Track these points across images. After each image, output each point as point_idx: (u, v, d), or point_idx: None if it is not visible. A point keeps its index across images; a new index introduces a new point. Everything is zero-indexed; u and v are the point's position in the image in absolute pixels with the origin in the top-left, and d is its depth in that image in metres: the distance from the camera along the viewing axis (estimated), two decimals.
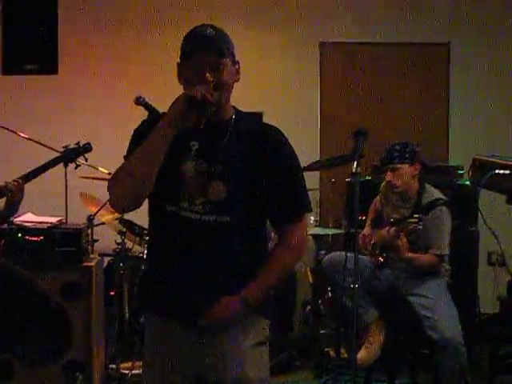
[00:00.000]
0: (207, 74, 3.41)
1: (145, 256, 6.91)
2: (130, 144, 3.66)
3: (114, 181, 3.51)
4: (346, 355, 7.18)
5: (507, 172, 4.85)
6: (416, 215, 6.00)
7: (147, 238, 4.89)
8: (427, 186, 6.39)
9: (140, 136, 3.52)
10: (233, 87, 3.58)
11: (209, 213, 3.50)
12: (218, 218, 3.51)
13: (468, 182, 7.55)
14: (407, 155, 6.23)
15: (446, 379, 5.96)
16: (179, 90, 3.46)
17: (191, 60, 3.50)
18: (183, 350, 3.59)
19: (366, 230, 6.50)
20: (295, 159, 3.72)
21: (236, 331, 3.59)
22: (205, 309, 3.51)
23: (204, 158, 3.53)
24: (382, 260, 6.26)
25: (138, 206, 3.49)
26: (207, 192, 3.50)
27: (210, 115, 3.37)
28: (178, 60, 3.62)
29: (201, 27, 3.55)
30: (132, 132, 3.70)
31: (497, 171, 4.93)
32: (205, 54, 3.45)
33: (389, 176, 6.29)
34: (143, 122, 3.74)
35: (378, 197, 6.58)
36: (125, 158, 3.62)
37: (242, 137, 3.59)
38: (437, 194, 6.33)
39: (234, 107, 3.68)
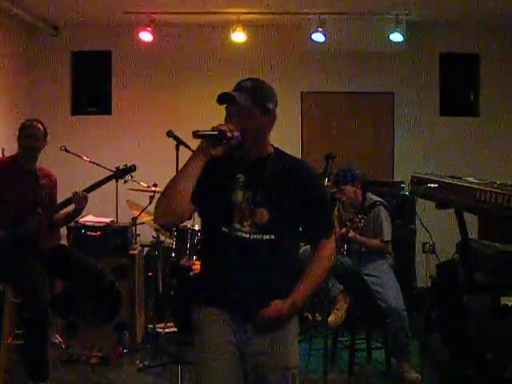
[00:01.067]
0: (234, 120, 3.25)
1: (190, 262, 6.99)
2: None
3: (158, 200, 3.30)
4: (319, 318, 7.16)
5: (436, 185, 4.85)
6: (359, 216, 6.12)
7: (200, 253, 4.51)
8: (368, 194, 6.46)
9: None
10: (264, 131, 3.38)
11: (256, 233, 3.31)
12: (264, 237, 3.31)
13: (407, 193, 7.59)
14: (349, 178, 6.34)
15: (392, 336, 5.98)
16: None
17: (226, 107, 3.32)
18: (236, 337, 3.34)
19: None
20: (323, 188, 3.69)
21: (282, 325, 3.38)
22: (258, 309, 3.30)
23: (249, 188, 3.33)
24: (343, 250, 6.29)
25: (178, 221, 3.45)
26: (254, 216, 3.31)
27: (233, 149, 3.24)
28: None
29: (244, 80, 3.39)
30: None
31: (429, 185, 4.93)
32: (231, 104, 3.28)
33: (338, 194, 6.38)
34: None
35: (336, 207, 6.60)
36: None
37: (280, 170, 3.37)
38: (375, 198, 6.43)
39: (272, 146, 3.47)
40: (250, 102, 3.28)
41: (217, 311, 3.37)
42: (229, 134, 3.19)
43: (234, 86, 3.35)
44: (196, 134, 3.21)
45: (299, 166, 3.50)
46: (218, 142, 3.20)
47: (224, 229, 3.33)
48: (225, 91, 3.29)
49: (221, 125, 3.22)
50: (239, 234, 3.32)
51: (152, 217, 7.26)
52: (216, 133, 3.19)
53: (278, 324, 3.36)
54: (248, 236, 3.31)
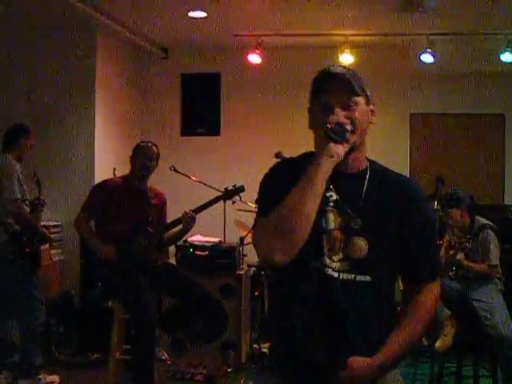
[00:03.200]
0: (336, 110, 2.50)
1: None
2: (262, 194, 2.68)
3: (267, 236, 2.45)
4: (426, 343, 7.06)
5: None
6: (467, 237, 6.09)
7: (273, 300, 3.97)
8: (477, 217, 6.34)
9: (276, 185, 2.57)
10: (367, 129, 2.60)
11: (348, 271, 2.51)
12: (358, 277, 2.52)
13: None
14: (453, 202, 6.22)
15: (502, 365, 5.85)
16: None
17: (321, 98, 2.57)
18: None
19: (442, 255, 6.42)
20: (434, 218, 2.72)
21: None
22: (339, 372, 2.48)
23: (343, 210, 2.54)
24: (452, 275, 6.21)
25: (293, 255, 2.41)
26: (347, 248, 2.52)
27: (350, 149, 2.49)
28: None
29: (331, 66, 2.57)
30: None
31: None
32: (335, 91, 2.53)
33: (444, 217, 6.27)
34: (274, 169, 2.72)
35: (448, 230, 6.54)
36: (260, 207, 2.65)
37: (381, 188, 2.61)
38: (484, 221, 6.31)
39: (366, 157, 2.69)
40: (359, 87, 2.56)
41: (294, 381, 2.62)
42: (349, 128, 2.48)
43: (322, 76, 2.60)
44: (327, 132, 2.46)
45: (403, 184, 2.70)
46: (339, 141, 2.45)
47: (313, 263, 2.52)
48: (332, 71, 2.57)
49: (333, 117, 2.50)
50: (328, 271, 2.52)
51: None
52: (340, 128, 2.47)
53: None
54: (337, 275, 2.52)
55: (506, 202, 8.94)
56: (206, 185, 6.88)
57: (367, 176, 2.61)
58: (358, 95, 2.54)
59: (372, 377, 2.52)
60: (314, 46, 9.20)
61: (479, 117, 9.47)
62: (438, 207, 5.09)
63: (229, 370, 6.67)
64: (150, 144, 5.94)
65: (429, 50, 8.58)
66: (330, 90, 2.53)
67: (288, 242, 2.40)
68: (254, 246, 2.54)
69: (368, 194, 2.58)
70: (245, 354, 7.05)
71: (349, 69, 2.58)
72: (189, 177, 6.97)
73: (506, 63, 8.64)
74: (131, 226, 5.71)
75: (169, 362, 6.39)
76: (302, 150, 2.72)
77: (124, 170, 6.15)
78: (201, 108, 9.99)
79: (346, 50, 8.84)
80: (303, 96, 9.36)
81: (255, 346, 7.19)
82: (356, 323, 2.51)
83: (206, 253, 6.90)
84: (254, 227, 2.65)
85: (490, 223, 6.28)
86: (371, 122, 2.62)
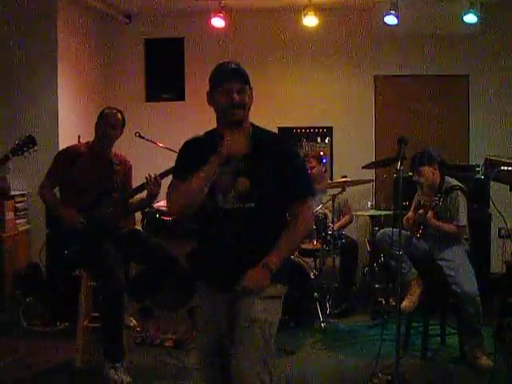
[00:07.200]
0: (235, 96, 3.53)
1: None
2: (177, 163, 3.79)
3: (174, 197, 3.61)
4: (393, 303, 7.13)
5: (509, 168, 4.78)
6: (438, 195, 6.02)
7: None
8: (447, 177, 6.30)
9: (186, 157, 3.71)
10: (250, 107, 3.64)
11: (239, 201, 3.54)
12: (246, 205, 3.53)
13: (482, 177, 7.48)
14: (425, 159, 6.23)
15: (465, 321, 5.91)
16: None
17: (223, 85, 3.56)
18: (220, 307, 3.61)
19: (410, 214, 6.43)
20: (299, 157, 3.84)
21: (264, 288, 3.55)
22: (238, 278, 3.49)
23: (231, 161, 3.56)
24: (419, 234, 6.20)
25: (191, 212, 3.63)
26: (236, 186, 3.55)
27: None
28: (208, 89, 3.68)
29: (227, 63, 3.70)
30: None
31: (502, 168, 4.86)
32: (234, 81, 3.56)
33: (415, 176, 6.32)
34: (186, 144, 3.83)
35: (418, 191, 6.53)
36: (175, 172, 3.80)
37: (258, 142, 3.62)
38: (454, 182, 6.27)
39: (250, 123, 3.72)
40: (248, 78, 3.66)
41: (208, 286, 3.68)
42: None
43: (221, 69, 3.68)
44: None
45: (277, 138, 3.85)
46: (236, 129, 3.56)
47: (208, 203, 3.56)
48: (231, 68, 3.65)
49: (236, 113, 3.56)
50: (221, 205, 3.56)
51: None
52: None
53: (259, 288, 3.51)
54: (231, 206, 3.56)
55: (470, 163, 8.96)
56: (171, 150, 6.84)
57: (248, 134, 3.65)
58: (247, 84, 3.63)
59: (261, 276, 3.50)
60: (278, 8, 9.18)
61: (443, 78, 9.47)
62: (402, 167, 5.04)
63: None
64: (114, 111, 5.87)
65: (392, 12, 8.55)
66: (231, 80, 3.58)
67: (188, 204, 3.57)
68: (167, 199, 3.67)
69: (249, 147, 3.59)
70: None
71: (239, 65, 3.69)
72: (154, 142, 6.93)
73: (469, 24, 8.64)
74: (96, 193, 5.68)
75: (137, 329, 6.38)
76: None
77: (89, 137, 6.08)
78: (165, 73, 9.93)
79: (309, 13, 8.78)
80: (267, 59, 9.37)
81: None
82: (247, 239, 3.54)
83: (172, 218, 6.88)
84: (169, 185, 3.70)
85: (460, 184, 6.24)
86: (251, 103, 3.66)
